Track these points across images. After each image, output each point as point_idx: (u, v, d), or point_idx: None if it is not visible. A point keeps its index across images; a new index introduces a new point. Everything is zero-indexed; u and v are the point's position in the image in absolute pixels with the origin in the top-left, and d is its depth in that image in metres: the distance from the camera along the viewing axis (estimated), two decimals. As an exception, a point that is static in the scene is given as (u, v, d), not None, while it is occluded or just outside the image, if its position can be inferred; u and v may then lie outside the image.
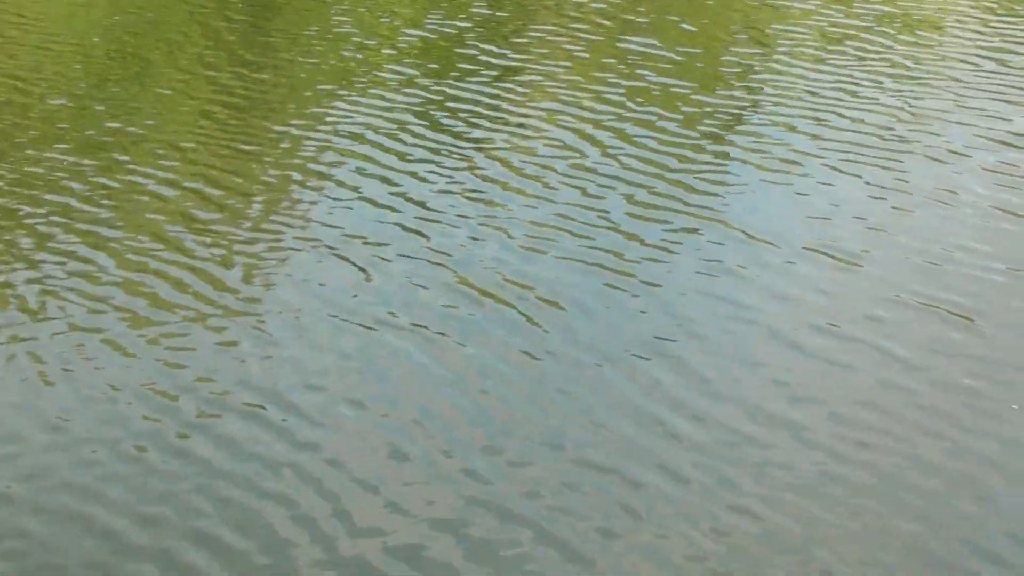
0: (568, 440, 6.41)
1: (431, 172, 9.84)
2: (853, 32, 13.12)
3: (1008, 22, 12.94)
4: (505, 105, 11.24)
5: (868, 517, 5.85)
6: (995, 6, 13.49)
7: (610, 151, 10.21)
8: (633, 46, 12.88)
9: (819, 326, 7.55)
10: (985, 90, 11.45)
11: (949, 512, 5.89)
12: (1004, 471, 6.21)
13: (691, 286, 8.05)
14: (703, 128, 10.67)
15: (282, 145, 10.33)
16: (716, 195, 9.39)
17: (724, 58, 12.56)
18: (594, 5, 14.42)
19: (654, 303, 7.81)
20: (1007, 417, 6.65)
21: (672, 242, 8.65)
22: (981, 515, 5.88)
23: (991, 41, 12.47)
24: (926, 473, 6.17)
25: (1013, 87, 11.41)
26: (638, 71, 12.07)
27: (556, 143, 10.38)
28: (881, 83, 11.83)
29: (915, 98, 11.39)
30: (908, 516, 5.85)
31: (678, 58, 12.47)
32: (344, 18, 13.89)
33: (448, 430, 6.50)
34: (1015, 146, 10.24)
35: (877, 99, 11.42)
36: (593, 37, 13.25)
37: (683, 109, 11.13)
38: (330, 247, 8.56)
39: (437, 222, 8.96)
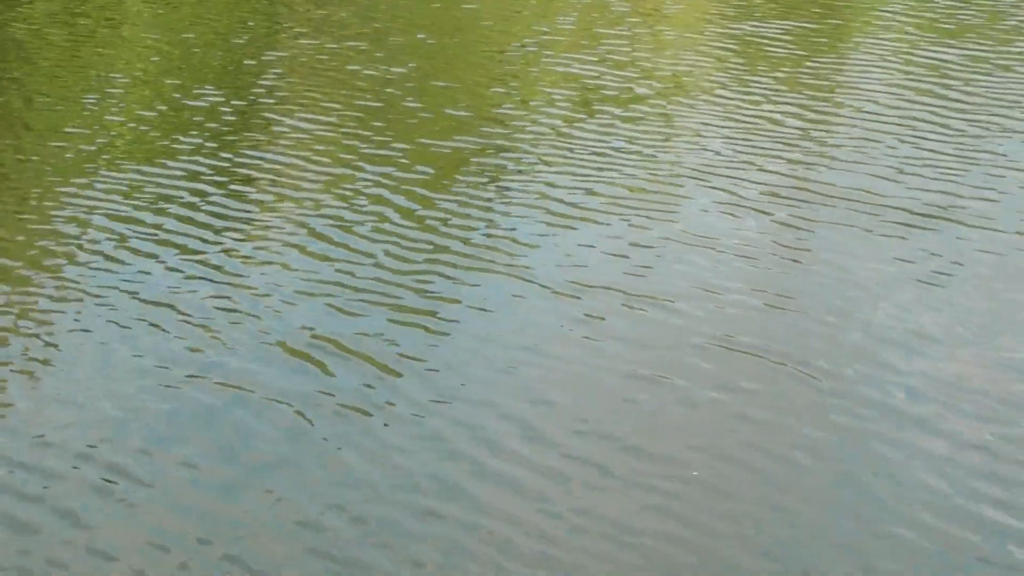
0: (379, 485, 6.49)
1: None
2: (616, 83, 12.86)
3: (767, 85, 12.77)
4: (251, 171, 10.83)
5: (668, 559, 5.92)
6: (749, 66, 13.26)
7: (370, 206, 9.96)
8: (388, 99, 12.59)
9: (608, 367, 7.60)
10: (755, 140, 11.22)
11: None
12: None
13: (473, 334, 8.04)
14: (468, 179, 10.47)
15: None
16: (493, 246, 9.26)
17: (486, 105, 12.36)
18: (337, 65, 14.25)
19: (439, 354, 7.79)
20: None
21: (442, 294, 8.59)
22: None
23: (756, 102, 12.25)
24: (718, 510, 6.28)
25: (778, 140, 11.20)
26: (389, 124, 11.81)
27: (309, 204, 10.07)
28: (646, 136, 11.57)
29: (679, 152, 11.11)
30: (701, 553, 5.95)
31: (429, 113, 12.20)
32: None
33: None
34: (779, 195, 10.07)
35: (639, 150, 11.19)
36: (338, 91, 12.91)
37: (437, 164, 10.93)
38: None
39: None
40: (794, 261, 8.89)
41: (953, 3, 14.92)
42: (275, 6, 16.31)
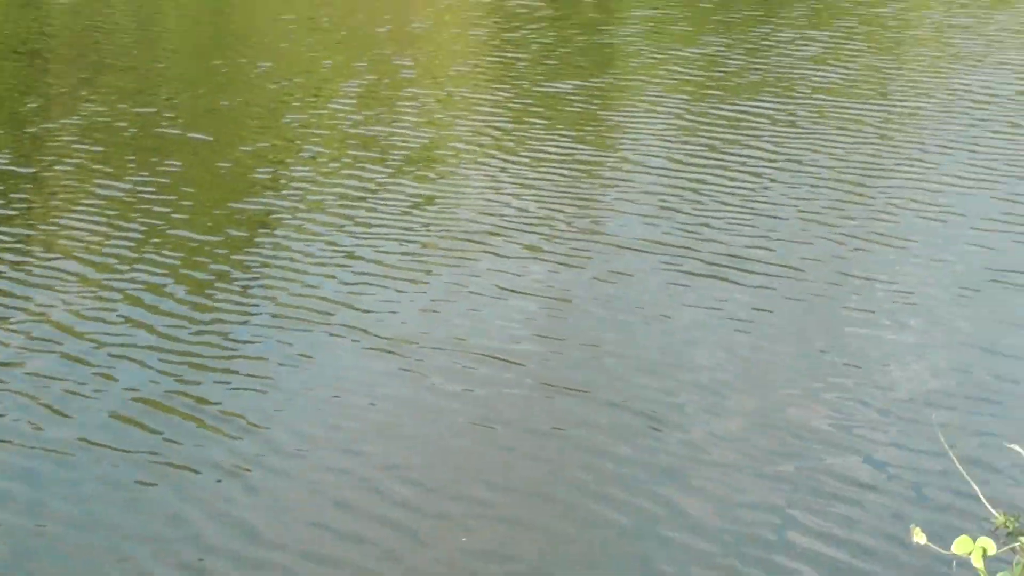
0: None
1: None
2: (412, 140, 13.15)
3: (558, 139, 13.11)
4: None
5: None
6: (540, 121, 13.71)
7: (181, 269, 9.90)
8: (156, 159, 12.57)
9: (424, 415, 7.76)
10: (552, 194, 11.39)
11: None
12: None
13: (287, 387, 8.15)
14: (271, 239, 10.53)
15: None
16: (302, 304, 9.26)
17: (279, 164, 12.45)
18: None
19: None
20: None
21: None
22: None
23: (549, 157, 12.55)
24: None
25: (575, 193, 11.44)
26: (185, 185, 11.72)
27: (119, 268, 9.94)
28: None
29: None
30: None
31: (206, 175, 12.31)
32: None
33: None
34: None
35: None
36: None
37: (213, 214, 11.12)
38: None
39: None
40: (605, 309, 9.05)
41: (742, 61, 15.34)
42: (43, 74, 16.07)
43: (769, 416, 7.61)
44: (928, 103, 13.36)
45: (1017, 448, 5.47)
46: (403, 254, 10.08)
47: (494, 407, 7.82)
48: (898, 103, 13.42)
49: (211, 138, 13.15)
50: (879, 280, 9.30)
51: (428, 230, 10.56)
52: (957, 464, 6.16)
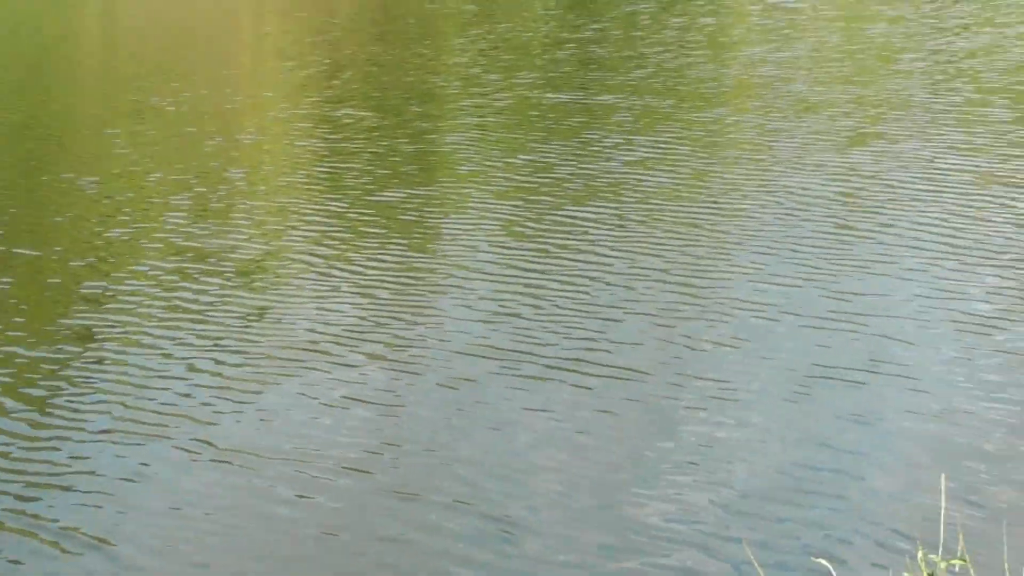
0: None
1: None
2: (220, 246, 13.18)
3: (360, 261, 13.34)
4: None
5: None
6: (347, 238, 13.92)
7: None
8: None
9: (258, 524, 7.78)
10: (371, 309, 11.55)
11: None
12: None
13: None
14: (91, 354, 10.45)
15: None
16: (129, 416, 9.28)
17: (87, 277, 12.39)
18: None
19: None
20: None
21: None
22: None
23: (366, 272, 12.80)
24: None
25: (399, 304, 11.56)
26: None
27: None
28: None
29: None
30: None
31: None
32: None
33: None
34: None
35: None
36: None
37: None
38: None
39: None
40: (447, 415, 9.10)
41: (571, 167, 15.55)
42: None
43: (613, 514, 7.72)
44: (752, 204, 13.67)
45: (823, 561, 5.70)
46: (240, 365, 10.03)
47: (338, 515, 7.81)
48: (724, 205, 13.72)
49: (39, 253, 12.99)
50: (714, 379, 9.47)
51: (265, 340, 10.52)
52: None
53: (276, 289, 11.80)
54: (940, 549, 5.05)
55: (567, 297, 11.18)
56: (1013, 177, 14.18)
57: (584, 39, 25.64)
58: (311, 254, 12.64)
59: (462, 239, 13.03)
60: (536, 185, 14.84)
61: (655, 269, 11.79)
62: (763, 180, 14.60)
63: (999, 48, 22.39)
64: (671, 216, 13.36)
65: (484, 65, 23.13)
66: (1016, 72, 20.24)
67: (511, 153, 16.49)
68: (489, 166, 15.98)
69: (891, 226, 12.66)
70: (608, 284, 11.48)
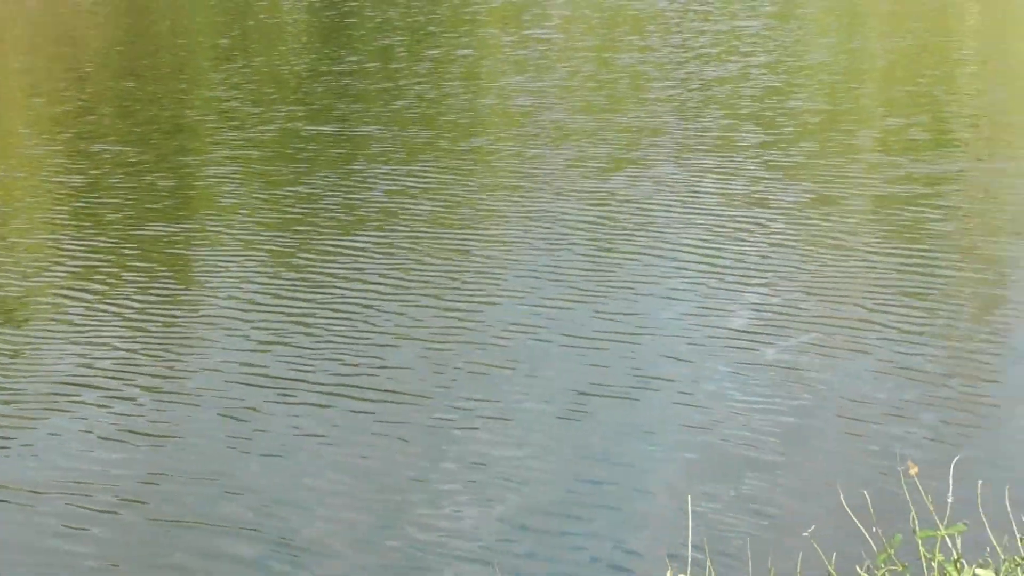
0: None
1: None
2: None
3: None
4: None
5: None
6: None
7: None
8: None
9: None
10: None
11: None
12: None
13: None
14: None
15: None
16: None
17: None
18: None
19: None
20: None
21: None
22: None
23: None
24: None
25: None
26: None
27: None
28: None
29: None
30: None
31: None
32: None
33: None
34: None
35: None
36: None
37: None
38: None
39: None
40: (224, 444, 9.05)
41: (339, 197, 15.56)
42: None
43: (397, 535, 7.86)
44: (516, 230, 13.87)
45: None
46: (8, 402, 9.86)
47: (117, 546, 7.79)
48: (488, 231, 13.89)
49: None
50: (489, 400, 9.61)
51: (32, 377, 10.38)
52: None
53: (41, 325, 11.60)
54: (689, 566, 5.21)
55: (340, 325, 11.22)
56: (765, 199, 14.64)
57: (341, 71, 25.66)
58: (76, 289, 12.45)
59: (230, 271, 12.96)
60: (301, 216, 14.83)
61: (425, 295, 11.89)
62: (525, 206, 14.82)
63: (745, 76, 23.09)
64: (438, 243, 13.48)
65: (242, 98, 22.99)
66: (762, 99, 20.89)
67: (274, 185, 16.45)
68: (253, 198, 15.92)
69: (652, 248, 12.98)
70: (380, 311, 11.54)
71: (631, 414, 9.29)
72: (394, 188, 15.93)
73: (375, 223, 14.39)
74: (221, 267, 13.11)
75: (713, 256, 12.62)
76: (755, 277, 11.96)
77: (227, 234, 14.39)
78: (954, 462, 7.79)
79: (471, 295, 11.86)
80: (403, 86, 23.57)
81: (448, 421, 9.31)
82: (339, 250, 13.39)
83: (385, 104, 21.77)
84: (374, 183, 16.23)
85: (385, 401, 9.68)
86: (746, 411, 9.24)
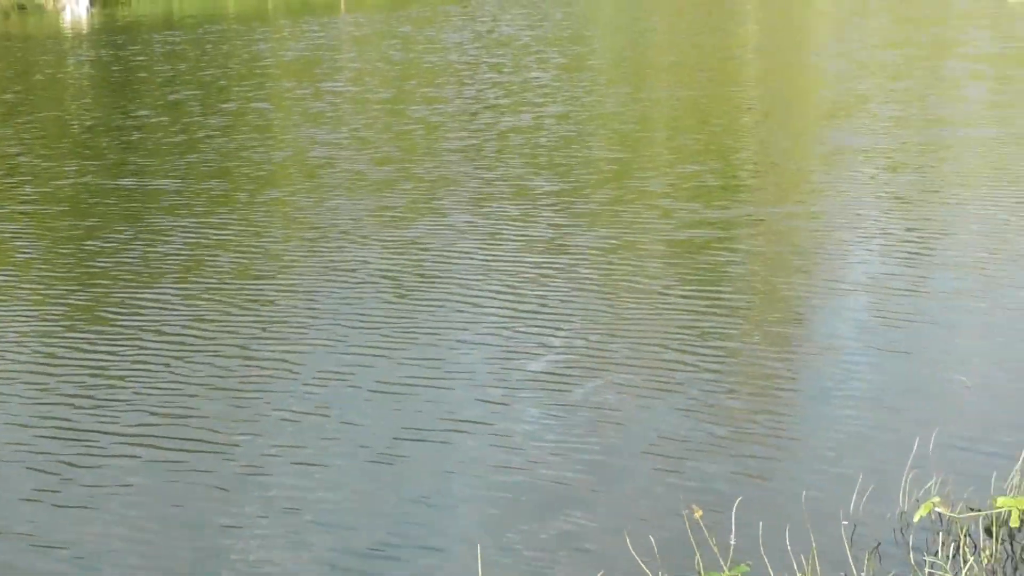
0: None
1: None
2: None
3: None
4: None
5: None
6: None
7: None
8: None
9: None
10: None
11: None
12: None
13: None
14: None
15: None
16: None
17: None
18: None
19: None
20: None
21: None
22: None
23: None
24: None
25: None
26: None
27: None
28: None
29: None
30: None
31: None
32: None
33: None
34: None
35: None
36: None
37: None
38: None
39: None
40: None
41: (139, 249, 15.38)
42: None
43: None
44: (318, 279, 13.87)
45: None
46: None
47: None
48: (290, 281, 13.87)
49: None
50: (298, 447, 9.62)
51: None
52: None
53: None
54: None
55: (145, 376, 11.11)
56: (564, 245, 14.88)
57: (133, 125, 25.43)
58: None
59: (30, 325, 12.76)
60: (100, 270, 14.65)
61: (230, 345, 11.83)
62: (326, 256, 14.85)
63: (539, 126, 23.45)
64: (241, 294, 13.43)
65: (32, 153, 22.65)
66: (557, 148, 21.25)
67: (70, 240, 16.23)
68: (49, 253, 15.68)
69: (456, 295, 13.10)
70: (185, 362, 11.46)
71: (444, 457, 9.36)
72: (193, 240, 15.83)
73: (176, 275, 14.28)
74: (20, 322, 12.88)
75: (516, 301, 12.79)
76: (559, 321, 12.14)
77: (25, 288, 14.15)
78: (736, 504, 8.08)
79: (277, 344, 11.83)
80: (198, 139, 23.48)
81: (259, 468, 9.27)
82: (140, 302, 13.26)
83: (180, 157, 21.64)
84: (171, 236, 16.11)
85: (195, 451, 9.61)
86: (558, 452, 9.36)
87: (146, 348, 11.85)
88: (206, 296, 13.42)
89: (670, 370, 10.80)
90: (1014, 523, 5.70)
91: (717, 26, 44.71)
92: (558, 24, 46.99)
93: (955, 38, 37.03)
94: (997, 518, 7.57)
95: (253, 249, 15.34)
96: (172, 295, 13.49)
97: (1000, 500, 5.54)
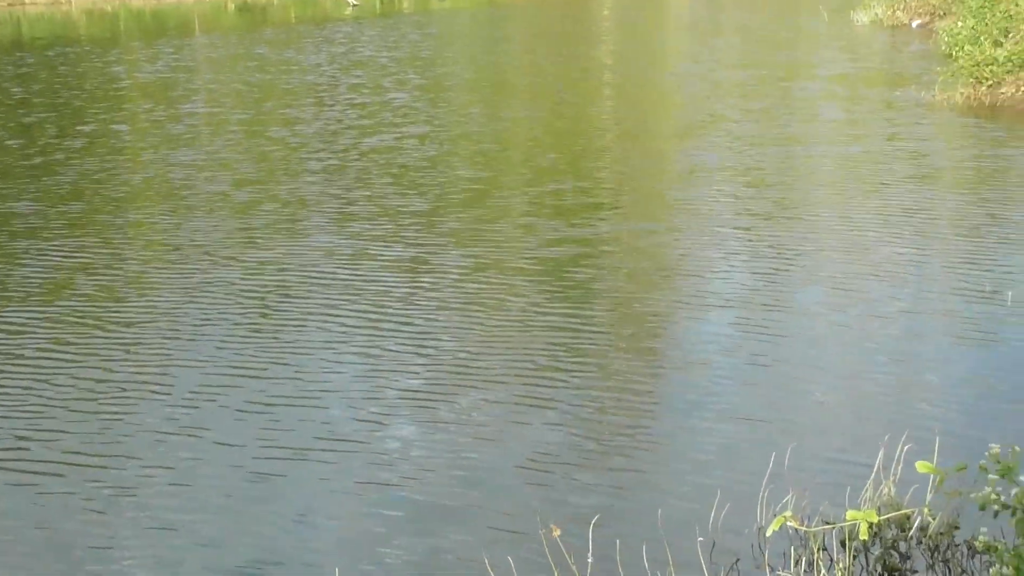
0: None
1: None
2: None
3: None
4: None
5: None
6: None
7: None
8: None
9: None
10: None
11: None
12: None
13: None
14: None
15: None
16: None
17: None
18: None
19: None
20: None
21: None
22: None
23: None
24: None
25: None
26: None
27: None
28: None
29: None
30: None
31: None
32: None
33: None
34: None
35: None
36: None
37: None
38: None
39: None
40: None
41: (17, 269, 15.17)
42: None
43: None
44: (183, 299, 13.79)
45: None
46: None
47: None
48: (153, 301, 13.78)
49: None
50: (168, 468, 9.57)
51: None
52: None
53: None
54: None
55: (4, 399, 10.99)
56: (429, 263, 14.93)
57: (-14, 148, 25.02)
58: None
59: None
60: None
61: (93, 368, 11.73)
62: (189, 277, 14.77)
63: (400, 147, 23.49)
64: (103, 315, 13.31)
65: None
66: (419, 168, 21.31)
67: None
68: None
69: (321, 314, 13.08)
70: (49, 384, 11.37)
71: (314, 475, 9.35)
72: (53, 263, 15.64)
73: (36, 298, 14.10)
74: None
75: (382, 320, 12.80)
76: (426, 339, 12.17)
77: None
78: (595, 520, 8.15)
79: (141, 366, 11.73)
80: (55, 161, 23.20)
81: (129, 489, 9.20)
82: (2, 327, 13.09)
83: (36, 180, 21.35)
84: (29, 259, 15.90)
85: (61, 474, 9.51)
86: (426, 468, 9.39)
87: (5, 372, 11.70)
88: (67, 319, 13.27)
89: (538, 386, 10.88)
90: (863, 536, 5.86)
91: (574, 49, 45.08)
92: (415, 45, 47.05)
93: (807, 59, 37.70)
94: (851, 531, 7.68)
95: (114, 271, 15.19)
96: (32, 318, 13.33)
97: (850, 513, 5.70)
